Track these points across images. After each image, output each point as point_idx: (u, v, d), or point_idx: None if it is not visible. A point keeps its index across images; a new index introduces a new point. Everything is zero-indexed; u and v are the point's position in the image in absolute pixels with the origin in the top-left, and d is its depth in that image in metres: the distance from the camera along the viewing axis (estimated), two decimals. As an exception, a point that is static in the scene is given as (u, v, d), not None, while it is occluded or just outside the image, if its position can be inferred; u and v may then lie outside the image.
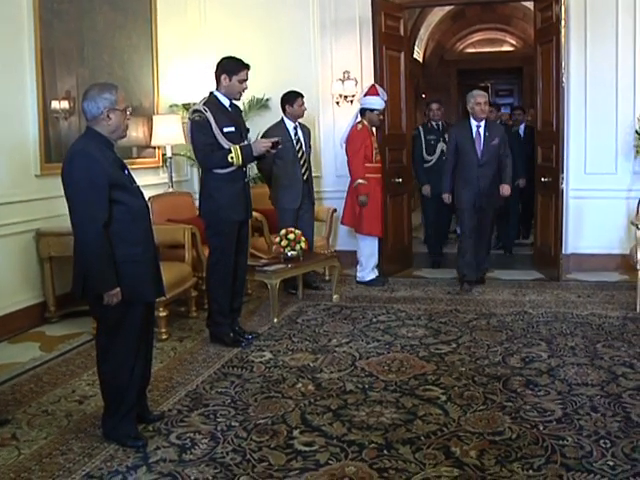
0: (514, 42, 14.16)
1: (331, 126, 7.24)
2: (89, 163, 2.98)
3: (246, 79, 4.54)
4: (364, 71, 7.05)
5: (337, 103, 7.24)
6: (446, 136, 6.83)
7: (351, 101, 7.07)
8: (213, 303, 4.70)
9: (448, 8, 11.65)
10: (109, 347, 3.15)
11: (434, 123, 7.36)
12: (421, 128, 7.43)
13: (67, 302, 5.24)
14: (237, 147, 4.44)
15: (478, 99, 5.94)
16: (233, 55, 4.61)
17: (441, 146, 7.15)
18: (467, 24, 13.46)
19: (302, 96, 6.04)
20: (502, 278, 6.65)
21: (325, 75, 7.25)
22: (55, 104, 5.47)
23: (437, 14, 12.13)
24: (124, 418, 3.18)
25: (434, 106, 7.40)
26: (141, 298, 3.17)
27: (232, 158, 4.42)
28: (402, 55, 6.96)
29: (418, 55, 12.68)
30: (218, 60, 4.59)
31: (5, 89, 5.00)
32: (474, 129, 6.02)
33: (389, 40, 6.67)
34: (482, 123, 6.01)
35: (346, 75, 7.15)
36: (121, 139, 3.26)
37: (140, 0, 6.54)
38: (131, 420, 3.21)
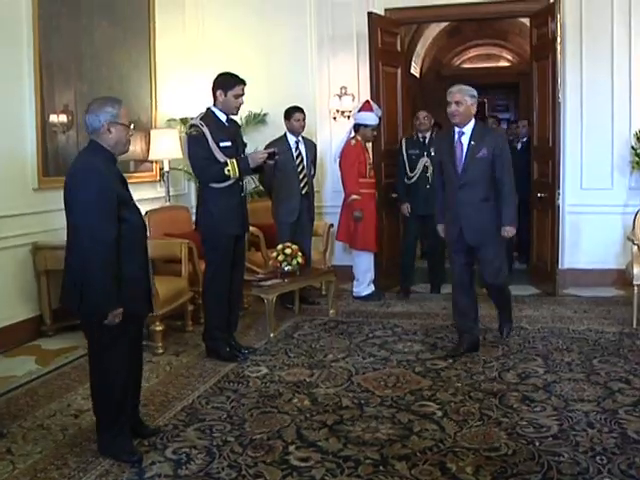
0: (510, 57, 14.24)
1: (328, 141, 7.28)
2: (98, 180, 2.95)
3: (242, 94, 4.56)
4: (361, 86, 7.10)
5: (334, 118, 7.29)
6: (431, 150, 6.30)
7: (348, 116, 7.12)
8: (209, 317, 4.71)
9: (445, 24, 11.71)
10: (102, 362, 3.14)
11: (420, 135, 6.61)
12: (404, 141, 6.70)
13: (63, 316, 5.23)
14: (233, 160, 4.47)
15: (448, 97, 4.57)
16: (230, 71, 4.64)
17: (424, 161, 6.47)
18: (464, 40, 13.52)
19: (301, 111, 6.08)
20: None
21: (322, 90, 7.31)
22: (53, 118, 5.50)
23: (434, 30, 12.19)
24: (119, 433, 3.18)
25: (421, 114, 6.63)
26: (137, 314, 3.20)
27: (229, 171, 4.44)
28: (399, 71, 7.03)
29: (415, 70, 12.75)
30: (215, 76, 4.63)
31: (4, 102, 5.02)
32: (455, 137, 4.62)
33: (386, 56, 6.74)
34: (467, 128, 4.56)
35: (343, 90, 7.20)
36: (122, 154, 3.24)
37: (139, 15, 6.60)
38: (126, 434, 3.21)
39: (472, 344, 4.76)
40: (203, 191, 4.63)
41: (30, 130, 5.24)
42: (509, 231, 4.64)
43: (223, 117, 4.60)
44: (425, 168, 6.48)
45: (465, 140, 4.57)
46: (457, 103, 4.49)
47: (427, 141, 6.56)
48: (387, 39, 6.77)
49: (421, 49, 12.68)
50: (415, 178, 6.53)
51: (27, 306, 5.25)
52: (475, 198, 4.56)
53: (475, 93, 4.58)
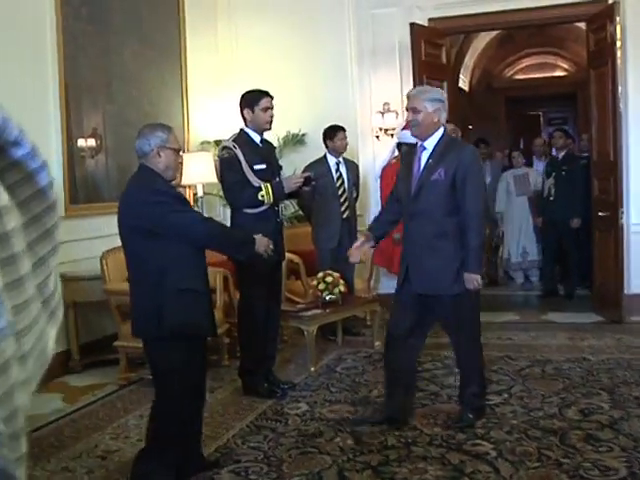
0: (567, 66, 14.15)
1: (371, 162, 7.29)
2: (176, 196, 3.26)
3: (270, 107, 4.63)
4: (405, 103, 7.09)
5: (377, 137, 7.30)
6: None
7: (392, 135, 7.13)
8: (245, 351, 4.72)
9: (495, 33, 11.71)
10: (170, 388, 3.23)
11: None
12: None
13: (92, 351, 5.33)
14: (268, 185, 4.51)
15: (407, 103, 3.96)
16: (265, 89, 4.71)
17: None
18: (516, 49, 13.50)
19: (343, 130, 6.13)
20: (557, 321, 6.56)
21: (364, 107, 7.34)
22: (81, 142, 5.64)
23: (483, 39, 12.20)
24: (164, 467, 3.21)
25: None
26: (201, 332, 3.32)
27: (263, 196, 4.48)
28: (445, 84, 7.02)
29: (464, 84, 12.74)
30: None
31: (28, 127, 5.11)
32: (417, 152, 3.94)
33: (430, 69, 6.76)
34: (429, 142, 3.84)
35: (386, 107, 7.22)
36: (172, 180, 3.43)
37: (169, 34, 6.76)
38: (171, 471, 3.24)
39: (393, 418, 4.00)
40: (236, 216, 4.68)
41: (56, 155, 5.36)
42: (472, 281, 3.76)
43: (257, 138, 4.67)
44: None
45: (424, 157, 3.85)
46: (414, 111, 3.79)
47: None
48: (431, 51, 6.81)
49: (470, 61, 12.68)
50: None
51: (55, 341, 5.29)
52: (427, 233, 3.79)
53: (440, 96, 3.88)
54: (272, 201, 4.53)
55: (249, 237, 3.65)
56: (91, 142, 5.77)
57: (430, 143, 3.84)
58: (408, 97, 3.89)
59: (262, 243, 3.67)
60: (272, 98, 4.66)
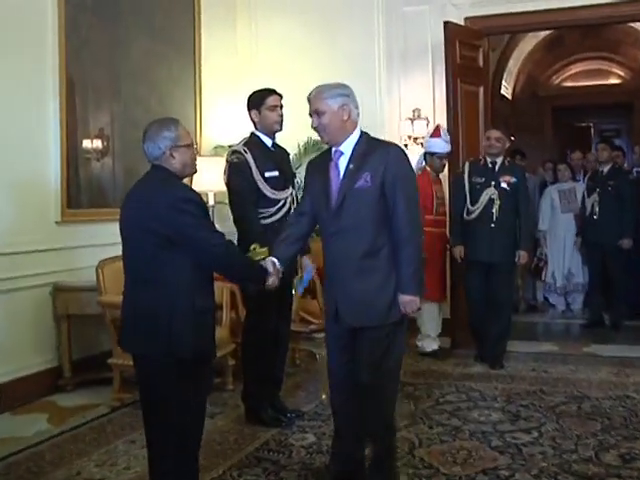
0: (622, 73, 14.01)
1: (399, 172, 7.21)
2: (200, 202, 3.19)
3: (278, 105, 4.62)
4: (437, 109, 7.05)
5: (405, 146, 7.23)
6: (501, 180, 5.99)
7: (421, 143, 7.07)
8: (249, 373, 4.67)
9: (541, 36, 11.63)
10: (167, 417, 3.17)
11: (489, 160, 6.12)
12: (467, 166, 6.27)
13: (85, 368, 5.31)
14: (266, 249, 3.81)
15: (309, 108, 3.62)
16: (286, 92, 4.72)
17: (490, 192, 6.00)
18: (565, 53, 13.42)
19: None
20: (600, 354, 6.45)
21: (392, 113, 7.32)
22: (87, 143, 5.66)
23: (529, 43, 12.14)
24: None
25: (493, 134, 6.14)
26: (212, 355, 3.28)
27: (254, 249, 4.30)
28: (481, 89, 6.97)
29: (506, 91, 12.67)
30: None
31: (23, 124, 5.17)
32: (333, 158, 3.57)
33: (465, 72, 6.71)
34: (346, 146, 3.51)
35: (416, 114, 7.20)
36: (191, 175, 3.46)
37: (183, 30, 6.81)
38: None
39: (344, 473, 3.64)
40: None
41: (54, 156, 5.39)
42: (409, 304, 3.43)
43: (268, 141, 4.65)
44: (490, 201, 6.02)
45: (343, 163, 3.51)
46: (317, 113, 3.49)
47: (497, 168, 6.09)
48: (467, 53, 6.75)
49: (513, 66, 12.63)
50: (477, 213, 6.08)
51: (44, 356, 5.33)
52: (354, 253, 3.43)
53: (343, 90, 3.54)
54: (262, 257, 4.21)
55: (263, 271, 3.48)
56: (97, 143, 5.79)
57: (347, 146, 3.50)
58: (308, 101, 3.55)
59: (273, 280, 3.52)
60: (280, 96, 4.64)
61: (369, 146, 3.49)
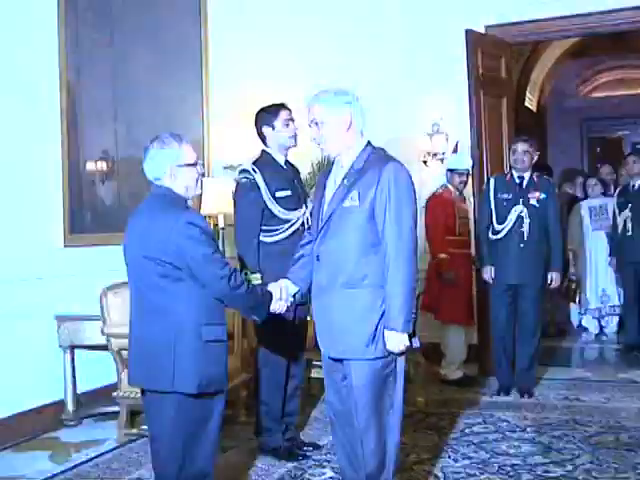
0: (655, 82, 13.95)
1: (417, 191, 7.17)
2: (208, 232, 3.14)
3: (291, 119, 4.63)
4: (458, 123, 7.02)
5: (424, 162, 7.22)
6: (530, 196, 5.90)
7: (441, 159, 7.06)
8: (262, 405, 4.64)
9: (568, 43, 11.56)
10: (173, 453, 3.17)
11: (515, 175, 6.04)
12: (493, 181, 6.16)
13: (90, 401, 5.29)
14: (259, 275, 4.35)
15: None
16: (281, 102, 4.73)
17: (518, 210, 5.89)
18: (593, 62, 13.39)
19: None
20: (637, 380, 6.39)
21: (409, 128, 7.26)
22: (90, 165, 5.69)
23: (554, 52, 12.08)
24: None
25: (520, 147, 6.02)
26: (218, 387, 3.22)
27: (247, 274, 4.34)
28: (504, 101, 6.95)
29: (531, 103, 12.62)
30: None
31: (25, 148, 5.20)
32: (333, 170, 3.48)
33: (488, 84, 6.68)
34: (346, 159, 3.36)
35: (435, 128, 7.16)
36: (196, 196, 3.45)
37: (188, 45, 6.84)
38: None
39: None
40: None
41: (54, 179, 5.41)
42: (397, 343, 3.21)
43: (281, 159, 4.67)
44: (519, 219, 5.89)
45: (339, 177, 3.35)
46: (316, 124, 3.34)
47: (525, 183, 6.00)
48: (489, 63, 6.72)
49: (537, 77, 12.58)
50: (504, 232, 5.93)
51: (47, 389, 5.31)
52: (337, 278, 3.26)
53: (346, 96, 3.36)
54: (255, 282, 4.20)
55: (267, 294, 3.40)
56: (101, 165, 5.82)
57: (347, 159, 3.33)
58: (307, 107, 3.38)
59: (280, 305, 3.45)
60: (290, 111, 4.65)
61: (369, 161, 3.29)
